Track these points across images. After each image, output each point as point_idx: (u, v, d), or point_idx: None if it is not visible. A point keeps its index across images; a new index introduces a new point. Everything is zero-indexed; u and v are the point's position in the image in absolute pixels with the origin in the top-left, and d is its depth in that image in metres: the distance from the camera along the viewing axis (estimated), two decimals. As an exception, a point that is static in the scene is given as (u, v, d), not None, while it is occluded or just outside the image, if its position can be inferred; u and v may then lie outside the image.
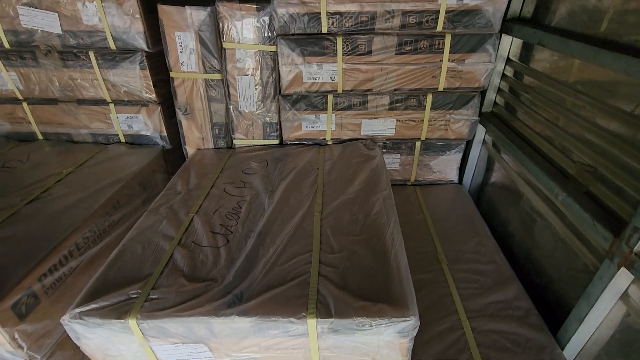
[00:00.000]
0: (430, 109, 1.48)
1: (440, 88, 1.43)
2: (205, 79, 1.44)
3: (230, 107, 1.50)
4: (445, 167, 1.66)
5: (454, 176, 1.68)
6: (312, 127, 1.55)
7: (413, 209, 1.53)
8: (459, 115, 1.49)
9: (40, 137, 1.63)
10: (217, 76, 1.44)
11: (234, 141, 1.61)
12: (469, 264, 1.24)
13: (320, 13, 1.28)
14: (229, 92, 1.47)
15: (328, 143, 1.59)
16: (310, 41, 1.33)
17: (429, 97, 1.45)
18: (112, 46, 1.38)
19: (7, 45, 1.38)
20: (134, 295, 0.89)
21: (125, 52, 1.40)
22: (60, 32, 1.34)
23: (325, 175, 1.36)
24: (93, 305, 0.86)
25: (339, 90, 1.44)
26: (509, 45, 1.36)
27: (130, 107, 1.53)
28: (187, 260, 0.99)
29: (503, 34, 1.33)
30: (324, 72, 1.39)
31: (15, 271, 0.93)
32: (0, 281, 0.90)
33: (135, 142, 1.63)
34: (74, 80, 1.47)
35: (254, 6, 1.29)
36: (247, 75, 1.43)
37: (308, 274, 0.93)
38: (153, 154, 1.56)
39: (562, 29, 1.12)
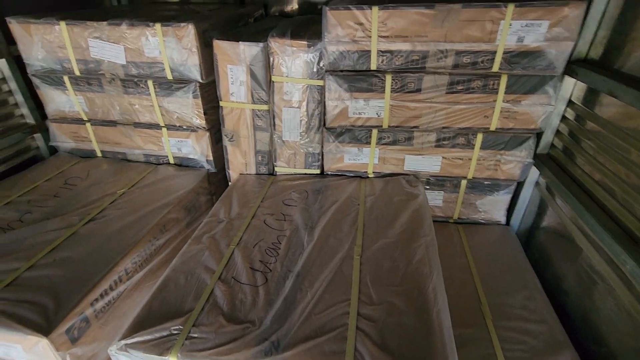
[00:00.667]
0: (480, 148, 1.41)
1: (492, 128, 1.36)
2: (253, 109, 1.48)
3: (275, 136, 1.53)
4: (492, 207, 1.57)
5: (501, 217, 1.59)
6: (354, 159, 1.53)
7: (455, 250, 1.46)
8: (511, 157, 1.41)
9: (99, 154, 1.75)
10: (264, 107, 1.47)
11: (276, 168, 1.63)
12: (517, 322, 1.15)
13: (370, 51, 1.27)
14: (274, 122, 1.50)
15: (369, 176, 1.57)
16: (359, 78, 1.32)
17: (479, 137, 1.39)
18: (169, 76, 1.46)
19: (77, 73, 1.50)
20: (176, 332, 0.92)
21: (180, 82, 1.47)
22: (124, 62, 1.44)
23: (366, 213, 1.33)
24: (138, 339, 0.90)
25: (385, 126, 1.42)
26: (572, 87, 1.27)
27: (181, 132, 1.60)
28: (226, 298, 1.01)
29: (566, 76, 1.25)
30: (370, 108, 1.38)
31: (70, 296, 0.99)
32: (57, 306, 0.96)
33: (183, 163, 1.70)
34: (132, 106, 1.57)
35: (305, 42, 1.31)
36: (293, 107, 1.45)
37: (346, 327, 0.91)
38: (198, 177, 1.62)
39: (636, 77, 1.02)
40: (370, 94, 1.35)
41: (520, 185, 1.51)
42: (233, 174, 1.68)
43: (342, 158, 1.54)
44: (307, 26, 1.51)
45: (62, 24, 1.40)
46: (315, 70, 1.36)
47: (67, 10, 1.85)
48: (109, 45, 1.41)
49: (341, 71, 1.34)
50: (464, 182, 1.51)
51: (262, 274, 1.09)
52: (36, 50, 1.48)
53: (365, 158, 1.52)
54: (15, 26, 1.45)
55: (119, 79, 1.51)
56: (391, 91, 1.33)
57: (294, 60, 1.34)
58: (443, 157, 1.46)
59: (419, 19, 1.20)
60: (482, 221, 1.61)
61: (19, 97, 1.67)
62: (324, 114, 1.45)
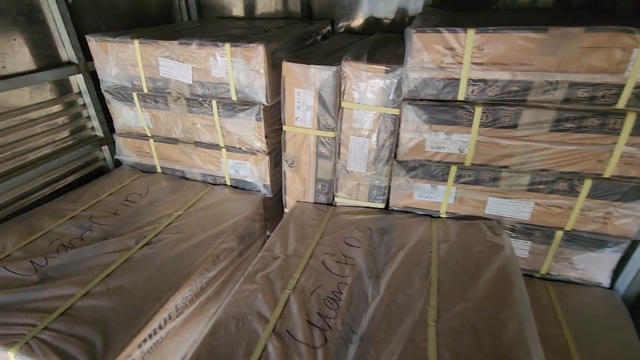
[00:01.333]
0: (587, 196, 1.17)
1: (607, 175, 1.12)
2: (317, 136, 1.37)
3: (339, 165, 1.40)
4: (594, 265, 1.30)
5: (603, 279, 1.31)
6: (426, 197, 1.36)
7: (545, 316, 1.22)
8: (627, 210, 1.15)
9: (159, 170, 1.75)
10: (330, 134, 1.35)
11: (336, 198, 1.50)
12: None
13: (459, 80, 1.10)
14: (339, 150, 1.37)
15: (441, 216, 1.38)
16: (442, 109, 1.15)
17: (587, 183, 1.15)
18: (234, 97, 1.40)
19: (146, 90, 1.50)
20: (224, 397, 0.81)
21: (244, 104, 1.41)
22: (191, 82, 1.40)
23: (440, 263, 1.15)
24: (183, 400, 0.81)
25: (467, 163, 1.23)
26: None
27: (240, 154, 1.53)
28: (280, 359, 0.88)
29: None
30: (452, 143, 1.20)
31: (119, 335, 0.93)
32: (106, 346, 0.90)
33: (239, 186, 1.64)
34: (194, 125, 1.54)
35: (383, 68, 1.17)
36: (362, 136, 1.31)
37: None
38: (254, 202, 1.54)
39: None
40: (453, 127, 1.17)
41: (634, 244, 1.23)
42: (290, 200, 1.58)
43: (412, 194, 1.37)
44: (381, 48, 1.38)
45: (136, 42, 1.40)
46: (390, 97, 1.21)
47: (144, 26, 1.90)
48: (177, 64, 1.38)
49: (421, 100, 1.18)
50: (559, 234, 1.27)
51: (320, 332, 0.95)
52: (110, 67, 1.50)
53: (439, 196, 1.34)
54: (94, 44, 1.48)
55: (184, 97, 1.48)
56: (480, 125, 1.14)
57: (368, 86, 1.21)
58: (536, 203, 1.23)
59: (524, 44, 1.01)
60: (578, 281, 1.34)
61: (91, 111, 1.72)
62: (397, 146, 1.30)
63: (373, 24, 1.99)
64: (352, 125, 1.30)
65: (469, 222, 1.32)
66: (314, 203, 1.55)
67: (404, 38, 1.49)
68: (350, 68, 1.20)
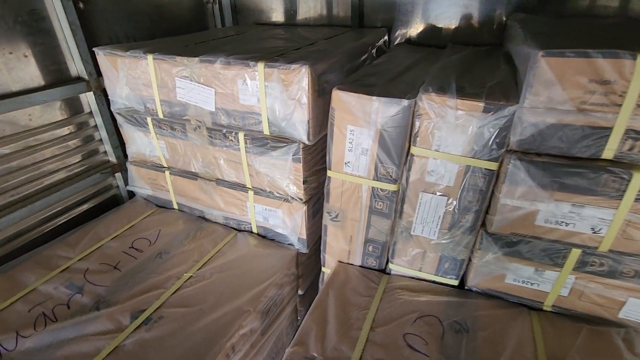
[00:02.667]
0: None
1: None
2: (373, 187, 1.01)
3: (399, 226, 1.05)
4: None
5: None
6: (523, 282, 0.96)
7: None
8: None
9: (175, 206, 1.47)
10: (391, 187, 0.99)
11: (391, 266, 1.14)
12: None
13: (610, 129, 0.71)
14: (402, 208, 1.01)
15: (544, 309, 0.98)
16: (574, 171, 0.76)
17: None
18: (266, 131, 1.08)
19: (161, 115, 1.22)
20: None
21: (279, 140, 1.08)
22: (213, 109, 1.10)
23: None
24: None
25: (602, 249, 0.83)
26: None
27: (271, 200, 1.21)
28: None
29: None
30: (582, 219, 0.80)
31: None
32: None
33: (268, 235, 1.32)
34: (216, 159, 1.24)
35: (481, 104, 0.80)
36: (437, 193, 0.94)
37: None
38: (285, 260, 1.21)
39: None
40: (589, 198, 0.77)
41: None
42: (330, 259, 1.24)
43: (504, 276, 0.98)
44: (466, 71, 1.00)
45: (150, 57, 1.12)
46: (487, 146, 0.84)
47: (172, 35, 1.64)
48: (197, 87, 1.09)
49: (539, 155, 0.79)
50: None
51: None
52: (121, 86, 1.23)
53: (545, 284, 0.94)
54: (102, 58, 1.22)
55: (205, 127, 1.18)
56: (635, 199, 0.74)
57: (455, 128, 0.84)
58: None
59: None
60: None
61: (103, 134, 1.47)
62: (487, 212, 0.92)
63: (437, 32, 1.62)
64: (424, 179, 0.94)
65: (593, 328, 0.91)
66: (361, 267, 1.20)
67: (489, 54, 1.11)
68: (431, 103, 0.84)
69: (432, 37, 1.64)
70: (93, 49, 1.23)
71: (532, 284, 0.95)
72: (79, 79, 1.36)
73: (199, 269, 1.16)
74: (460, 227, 0.96)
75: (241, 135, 1.13)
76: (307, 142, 1.03)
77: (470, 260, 1.02)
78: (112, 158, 1.53)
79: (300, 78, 0.94)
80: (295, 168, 1.10)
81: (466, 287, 1.07)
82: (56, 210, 1.40)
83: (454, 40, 1.59)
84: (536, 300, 0.98)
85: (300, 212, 1.18)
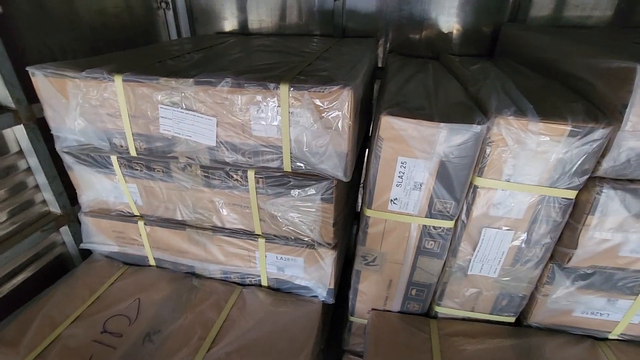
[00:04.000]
0: None
1: None
2: (425, 226, 0.86)
3: (453, 266, 0.91)
4: None
5: None
6: (592, 314, 0.89)
7: None
8: None
9: (152, 262, 1.16)
10: (447, 224, 0.85)
11: (438, 308, 1.00)
12: None
13: None
14: (458, 246, 0.88)
15: (609, 337, 0.92)
16: (673, 197, 0.69)
17: None
18: (287, 167, 0.86)
19: (133, 153, 0.93)
20: None
21: (304, 178, 0.87)
22: (214, 143, 0.85)
23: None
24: None
25: (685, 274, 0.77)
26: None
27: (289, 248, 0.99)
28: None
29: None
30: (672, 246, 0.74)
31: None
32: None
33: (282, 288, 1.09)
34: (214, 204, 0.98)
35: (567, 128, 0.69)
36: (503, 228, 0.82)
37: None
38: (312, 316, 1.00)
39: None
40: (683, 224, 0.71)
41: None
42: (361, 307, 1.05)
43: (571, 310, 0.90)
44: (523, 90, 0.89)
45: (118, 80, 0.83)
46: (569, 173, 0.74)
47: (118, 48, 1.33)
48: (192, 116, 0.83)
49: (632, 181, 0.71)
50: None
51: None
52: (72, 117, 0.91)
53: (616, 314, 0.87)
54: (42, 81, 0.89)
55: (200, 165, 0.92)
56: None
57: (534, 156, 0.73)
58: None
59: None
60: None
61: (40, 178, 1.11)
62: (559, 244, 0.83)
63: (426, 42, 1.54)
64: (489, 213, 0.81)
65: (669, 354, 0.87)
66: (400, 312, 1.04)
67: (508, 67, 1.01)
68: (508, 128, 0.71)
69: (420, 48, 1.56)
70: (27, 69, 0.89)
71: (601, 315, 0.88)
72: (1, 108, 1.00)
73: (209, 350, 0.89)
74: (527, 262, 0.86)
75: (251, 174, 0.90)
76: (344, 179, 0.84)
77: (533, 295, 0.91)
78: (55, 208, 1.17)
79: (341, 102, 0.75)
80: (325, 209, 0.90)
81: (525, 324, 0.97)
82: (-23, 291, 1.01)
83: (444, 51, 1.53)
84: (603, 330, 0.91)
85: (329, 259, 0.97)
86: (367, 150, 1.46)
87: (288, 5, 1.60)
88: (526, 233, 0.82)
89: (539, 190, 0.77)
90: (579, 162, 0.71)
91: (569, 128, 0.69)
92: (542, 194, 0.77)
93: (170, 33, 1.71)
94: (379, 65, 1.56)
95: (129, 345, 0.90)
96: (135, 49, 1.21)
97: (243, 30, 1.70)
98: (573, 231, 0.79)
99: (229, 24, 1.71)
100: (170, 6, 1.64)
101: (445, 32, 1.52)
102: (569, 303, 0.88)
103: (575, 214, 0.77)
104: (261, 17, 1.66)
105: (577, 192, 0.76)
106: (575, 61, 0.83)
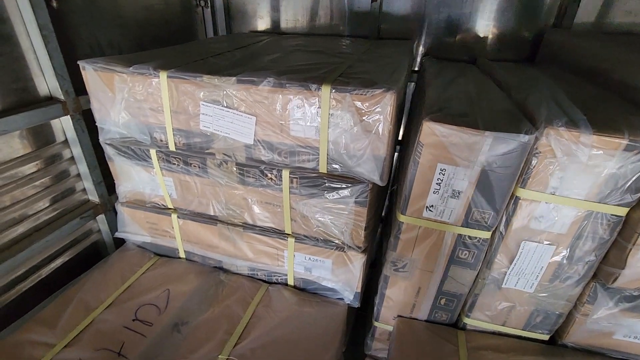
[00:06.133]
0: None
1: None
2: (460, 235, 0.84)
3: (486, 278, 0.88)
4: None
5: None
6: (636, 338, 0.84)
7: None
8: None
9: (182, 255, 1.19)
10: (484, 234, 0.82)
11: (467, 320, 0.97)
12: None
13: None
14: (494, 258, 0.85)
15: (652, 363, 0.87)
16: None
17: None
18: (323, 169, 0.86)
19: (172, 147, 0.95)
20: None
21: (339, 180, 0.87)
22: (251, 141, 0.86)
23: None
24: None
25: None
26: None
27: (318, 249, 0.99)
28: None
29: None
30: None
31: None
32: None
33: (308, 288, 1.09)
34: (247, 201, 0.99)
35: (623, 141, 0.66)
36: (544, 242, 0.79)
37: None
38: (337, 319, 1.00)
39: None
40: None
41: None
42: (386, 313, 1.04)
43: (612, 333, 0.85)
44: (576, 100, 0.86)
45: (163, 76, 0.85)
46: (621, 189, 0.70)
47: (159, 45, 1.36)
48: (232, 114, 0.84)
49: (692, 201, 0.67)
50: None
51: None
52: (117, 110, 0.94)
53: (662, 340, 0.83)
54: (90, 74, 0.92)
55: (235, 163, 0.94)
56: None
57: (584, 169, 0.70)
58: None
59: None
60: None
61: (82, 167, 1.16)
62: (604, 262, 0.79)
63: (463, 46, 1.51)
64: (530, 225, 0.78)
65: None
66: (427, 321, 1.02)
67: (552, 73, 0.97)
68: (558, 139, 0.68)
69: (456, 51, 1.53)
70: (78, 63, 0.93)
71: (644, 340, 0.84)
72: (51, 99, 1.05)
73: (235, 345, 0.90)
74: (567, 279, 0.82)
75: (286, 174, 0.90)
76: (380, 183, 0.83)
77: (571, 314, 0.88)
78: (94, 197, 1.22)
79: (383, 106, 0.74)
80: (358, 212, 0.90)
81: (560, 343, 0.93)
82: (20, 273, 1.06)
83: (481, 55, 1.49)
84: (644, 356, 0.86)
85: (358, 263, 0.97)
86: (395, 154, 1.45)
87: (322, 6, 1.61)
88: (569, 249, 0.79)
89: (586, 206, 0.73)
90: (634, 178, 0.68)
91: (625, 142, 0.66)
92: (590, 209, 0.73)
93: (207, 30, 1.74)
94: (414, 68, 1.54)
95: (158, 334, 0.93)
96: (175, 45, 1.25)
97: (277, 29, 1.72)
98: (621, 250, 0.75)
99: (264, 22, 1.73)
100: (209, 4, 1.68)
101: (483, 36, 1.48)
102: (610, 325, 0.84)
103: (625, 233, 0.74)
104: (295, 17, 1.67)
105: (628, 209, 0.72)
106: (632, 70, 0.79)
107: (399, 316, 1.04)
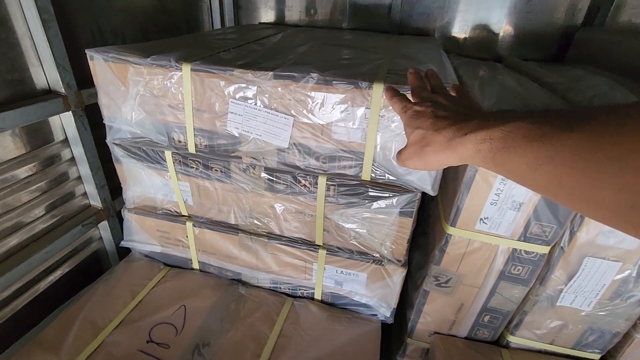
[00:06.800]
0: None
1: None
2: (515, 249, 0.77)
3: (539, 295, 0.81)
4: None
5: None
6: (698, 359, 0.79)
7: None
8: None
9: (196, 266, 1.09)
10: (542, 249, 0.76)
11: (510, 338, 0.91)
12: None
13: None
14: (550, 274, 0.78)
15: None
16: None
17: None
18: (366, 176, 0.77)
19: (192, 149, 0.85)
20: None
21: (384, 189, 0.79)
22: (286, 144, 0.77)
23: None
24: None
25: None
26: None
27: (352, 262, 0.91)
28: None
29: None
30: None
31: None
32: None
33: (337, 303, 1.01)
34: (274, 209, 0.90)
35: None
36: (610, 259, 0.73)
37: None
38: (371, 337, 0.91)
39: None
40: None
41: None
42: (422, 329, 0.97)
43: (673, 353, 0.80)
44: None
45: (186, 68, 0.75)
46: None
47: (164, 35, 1.26)
48: (266, 113, 0.75)
49: None
50: None
51: None
52: (130, 107, 0.84)
53: None
54: (100, 65, 0.81)
55: (264, 167, 0.84)
56: None
57: (667, 183, 0.64)
58: None
59: None
60: None
61: (84, 169, 1.04)
62: (675, 280, 0.73)
63: (488, 43, 1.45)
64: (596, 241, 0.72)
65: None
66: (467, 339, 0.95)
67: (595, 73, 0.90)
68: (645, 149, 0.62)
69: (479, 49, 1.46)
70: (86, 51, 0.81)
71: None
72: (50, 92, 0.93)
73: (265, 370, 0.82)
74: (629, 297, 0.76)
75: (322, 180, 0.81)
76: (431, 193, 0.75)
77: (629, 333, 0.82)
78: (96, 202, 1.10)
79: (444, 108, 0.66)
80: (402, 224, 0.81)
81: (611, 362, 0.88)
82: (16, 288, 0.95)
83: (505, 53, 1.44)
84: None
85: (398, 277, 0.89)
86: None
87: (338, -2, 1.52)
88: (637, 266, 0.72)
89: (662, 220, 0.67)
90: None
91: None
92: (666, 224, 0.67)
93: (214, 21, 1.63)
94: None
95: (178, 358, 0.83)
96: (184, 35, 1.14)
97: (286, 21, 1.62)
98: (697, 269, 0.69)
99: (273, 14, 1.63)
100: (217, -9, 1.57)
101: (509, 34, 1.42)
102: (674, 346, 0.79)
103: (703, 250, 0.68)
104: (308, 8, 1.58)
105: None
106: None
107: (436, 333, 0.97)
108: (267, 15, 1.64)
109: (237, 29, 1.37)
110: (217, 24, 1.63)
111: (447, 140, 0.41)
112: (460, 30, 1.46)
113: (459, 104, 0.48)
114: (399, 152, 0.50)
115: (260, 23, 1.66)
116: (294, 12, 1.60)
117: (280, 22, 1.64)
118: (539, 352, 0.91)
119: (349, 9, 1.52)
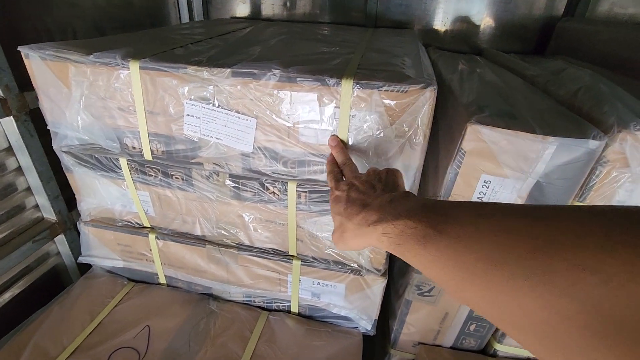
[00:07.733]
0: None
1: None
2: (500, 255, 0.72)
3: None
4: None
5: None
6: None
7: None
8: None
9: (162, 280, 1.00)
10: (529, 254, 0.71)
11: (497, 346, 0.86)
12: None
13: None
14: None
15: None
16: None
17: None
18: (339, 182, 0.71)
19: (148, 156, 0.77)
20: None
21: (359, 194, 0.72)
22: (250, 149, 0.70)
23: None
24: None
25: None
26: None
27: (329, 272, 0.84)
28: None
29: None
30: None
31: None
32: None
33: (315, 316, 0.94)
34: (242, 219, 0.83)
35: None
36: (599, 262, 0.69)
37: None
38: (352, 350, 0.86)
39: None
40: None
41: None
42: (405, 339, 0.92)
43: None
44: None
45: (135, 66, 0.67)
46: (698, 203, 0.60)
47: (123, 30, 1.16)
48: (227, 115, 0.67)
49: None
50: None
51: None
52: (75, 111, 0.75)
53: None
54: (37, 65, 0.72)
55: (229, 174, 0.77)
56: None
57: (657, 182, 0.59)
58: None
59: None
60: None
61: (33, 179, 0.94)
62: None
63: (466, 37, 1.41)
64: (584, 244, 0.68)
65: None
66: (453, 349, 0.90)
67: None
68: (636, 146, 0.57)
69: (458, 42, 1.42)
70: (19, 49, 0.72)
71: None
72: (-14, 96, 0.83)
73: (235, 396, 0.75)
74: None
75: (292, 187, 0.74)
76: (409, 198, 0.69)
77: None
78: (49, 214, 1.01)
79: (420, 105, 0.60)
80: (380, 231, 0.75)
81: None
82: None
83: (485, 46, 1.39)
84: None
85: (377, 287, 0.83)
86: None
87: (311, -9, 1.45)
88: (626, 269, 0.68)
89: (653, 221, 0.63)
90: None
91: None
92: (657, 225, 0.63)
93: (182, 16, 1.54)
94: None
95: (139, 387, 0.76)
96: (144, 31, 1.05)
97: (259, 16, 1.54)
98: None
99: (245, 8, 1.55)
100: (184, -17, 1.47)
101: (489, 25, 1.38)
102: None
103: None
104: (282, 2, 1.50)
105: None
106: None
107: (421, 343, 0.91)
108: (240, 9, 1.56)
109: (204, 24, 1.28)
110: (185, 18, 1.54)
111: (358, 228, 0.41)
112: (440, 22, 1.41)
113: (371, 186, 0.48)
114: (332, 234, 0.49)
115: (232, 17, 1.58)
116: (268, 6, 1.53)
117: (254, 17, 1.56)
118: (527, 359, 0.87)
119: (326, 2, 1.45)
